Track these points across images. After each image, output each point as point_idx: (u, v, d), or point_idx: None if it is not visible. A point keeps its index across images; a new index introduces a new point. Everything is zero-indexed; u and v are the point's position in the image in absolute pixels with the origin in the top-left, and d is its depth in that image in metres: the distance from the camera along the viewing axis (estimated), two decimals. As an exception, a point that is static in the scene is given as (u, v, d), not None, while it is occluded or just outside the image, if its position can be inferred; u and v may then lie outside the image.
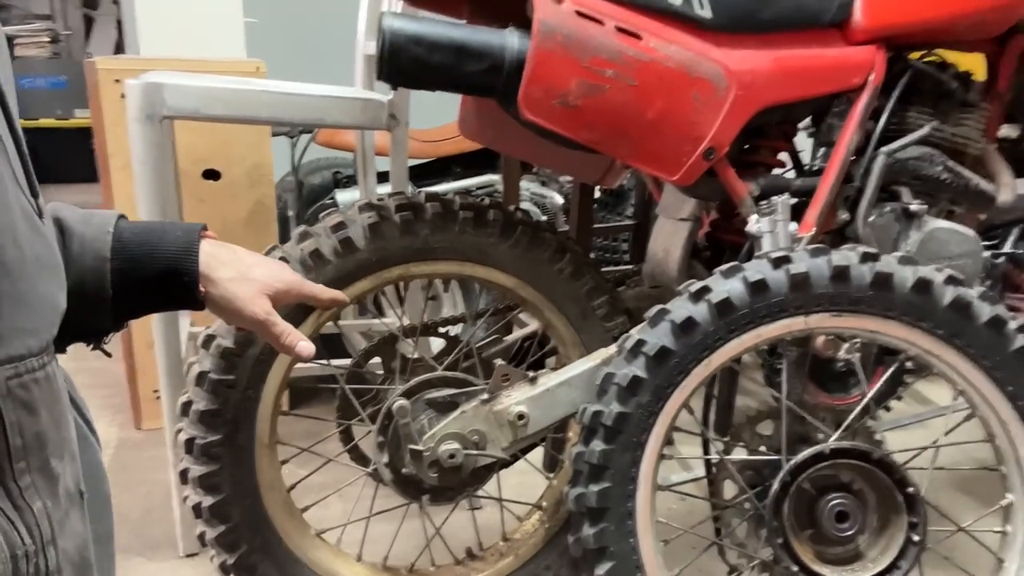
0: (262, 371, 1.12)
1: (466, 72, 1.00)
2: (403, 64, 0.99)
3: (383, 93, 1.54)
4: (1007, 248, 2.01)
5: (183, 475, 1.12)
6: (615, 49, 1.01)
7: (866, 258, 1.03)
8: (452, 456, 1.10)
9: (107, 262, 0.67)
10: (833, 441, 1.06)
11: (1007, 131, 1.47)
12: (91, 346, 0.71)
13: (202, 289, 0.72)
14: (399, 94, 1.50)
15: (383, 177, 1.97)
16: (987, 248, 1.61)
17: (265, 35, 2.68)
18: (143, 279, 0.69)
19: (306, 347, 0.79)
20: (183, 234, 0.71)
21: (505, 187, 1.92)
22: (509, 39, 1.00)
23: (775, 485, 1.04)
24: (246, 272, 0.75)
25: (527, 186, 2.60)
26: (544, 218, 2.47)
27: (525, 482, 1.48)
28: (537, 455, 1.57)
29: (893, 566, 1.06)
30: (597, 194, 2.59)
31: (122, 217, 0.70)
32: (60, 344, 0.67)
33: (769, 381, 2.04)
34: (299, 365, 1.19)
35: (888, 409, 2.06)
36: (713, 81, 1.07)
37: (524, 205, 2.45)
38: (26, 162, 0.46)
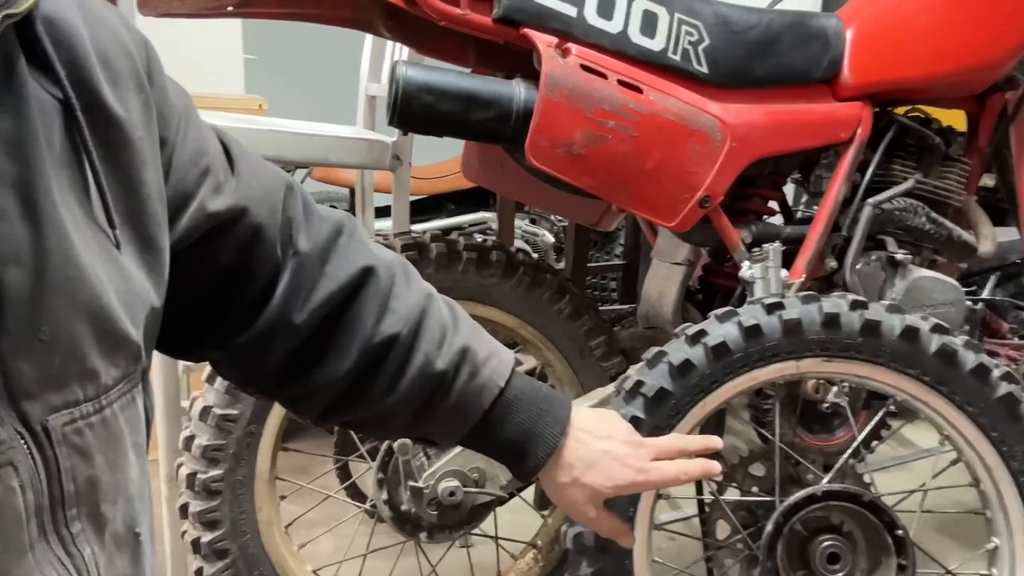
0: (265, 406, 1.13)
1: (475, 120, 1.04)
2: (414, 111, 1.03)
3: (385, 132, 1.58)
4: (985, 294, 2.07)
5: (183, 510, 1.12)
6: (617, 101, 1.06)
7: (856, 306, 1.06)
8: (452, 494, 1.11)
9: (482, 412, 0.69)
10: (825, 483, 1.09)
11: (984, 180, 1.54)
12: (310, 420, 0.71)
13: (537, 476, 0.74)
14: (403, 136, 1.53)
15: (379, 212, 2.00)
16: (966, 294, 1.67)
17: (263, 72, 2.73)
18: (492, 433, 0.71)
19: (629, 540, 0.81)
20: (554, 424, 0.72)
21: (500, 225, 1.96)
22: (517, 90, 1.04)
23: (769, 526, 1.06)
24: (581, 476, 0.73)
25: (518, 224, 2.64)
26: (535, 256, 2.51)
27: (517, 520, 1.49)
28: (529, 492, 1.58)
29: (883, 607, 1.08)
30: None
31: (517, 364, 0.73)
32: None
33: (757, 422, 2.07)
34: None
35: (871, 451, 2.09)
36: (709, 133, 1.11)
37: (516, 243, 2.49)
38: (103, 193, 0.46)
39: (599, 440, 0.74)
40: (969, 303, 1.36)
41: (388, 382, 0.66)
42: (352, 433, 1.25)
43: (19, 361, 0.41)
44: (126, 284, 0.47)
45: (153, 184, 0.51)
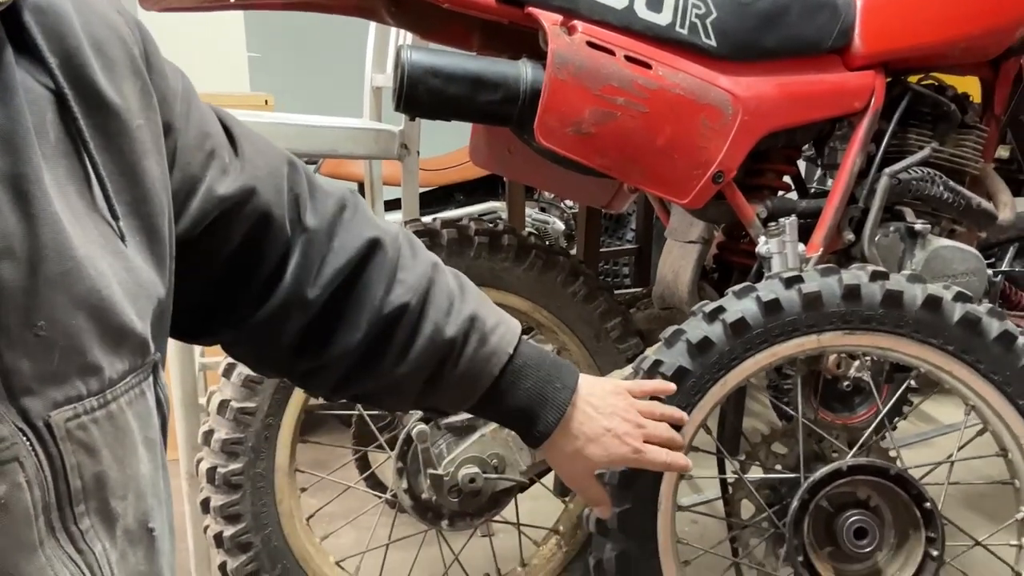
0: (282, 398, 1.13)
1: (482, 102, 1.02)
2: (420, 95, 1.02)
3: (392, 123, 1.57)
4: (1004, 266, 2.04)
5: (204, 504, 1.12)
6: (626, 78, 1.04)
7: (876, 277, 1.05)
8: (472, 480, 1.10)
9: (492, 379, 0.72)
10: (850, 458, 1.07)
11: (999, 151, 1.51)
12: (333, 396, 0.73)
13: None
14: (410, 124, 1.52)
15: (388, 206, 2.00)
16: (985, 266, 1.64)
17: (268, 69, 2.73)
18: (502, 399, 0.74)
19: (608, 511, 0.93)
20: (563, 389, 0.76)
21: (510, 213, 1.95)
22: (524, 70, 1.03)
23: (794, 503, 1.05)
24: (583, 449, 0.77)
25: (528, 212, 2.63)
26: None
27: (538, 507, 1.48)
28: (549, 479, 1.57)
29: (913, 582, 1.07)
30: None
31: (524, 333, 0.75)
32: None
33: (776, 399, 2.05)
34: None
35: (894, 428, 2.07)
36: (720, 107, 1.10)
37: (526, 231, 2.48)
38: (104, 185, 0.45)
39: (603, 417, 0.78)
40: (989, 274, 1.34)
41: (399, 352, 0.67)
42: (370, 423, 1.24)
43: (17, 357, 0.40)
44: (131, 276, 0.46)
45: (156, 173, 0.50)
